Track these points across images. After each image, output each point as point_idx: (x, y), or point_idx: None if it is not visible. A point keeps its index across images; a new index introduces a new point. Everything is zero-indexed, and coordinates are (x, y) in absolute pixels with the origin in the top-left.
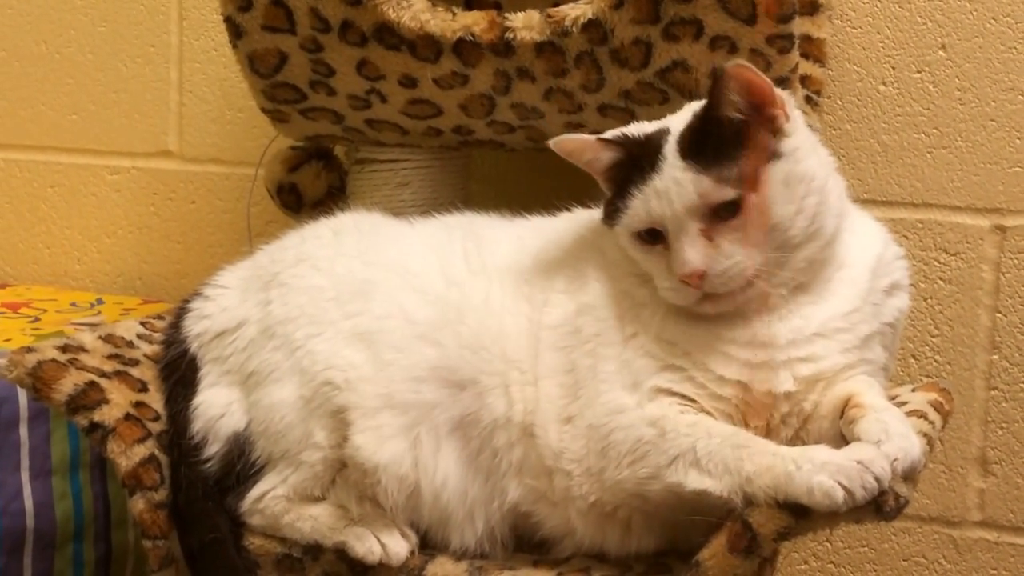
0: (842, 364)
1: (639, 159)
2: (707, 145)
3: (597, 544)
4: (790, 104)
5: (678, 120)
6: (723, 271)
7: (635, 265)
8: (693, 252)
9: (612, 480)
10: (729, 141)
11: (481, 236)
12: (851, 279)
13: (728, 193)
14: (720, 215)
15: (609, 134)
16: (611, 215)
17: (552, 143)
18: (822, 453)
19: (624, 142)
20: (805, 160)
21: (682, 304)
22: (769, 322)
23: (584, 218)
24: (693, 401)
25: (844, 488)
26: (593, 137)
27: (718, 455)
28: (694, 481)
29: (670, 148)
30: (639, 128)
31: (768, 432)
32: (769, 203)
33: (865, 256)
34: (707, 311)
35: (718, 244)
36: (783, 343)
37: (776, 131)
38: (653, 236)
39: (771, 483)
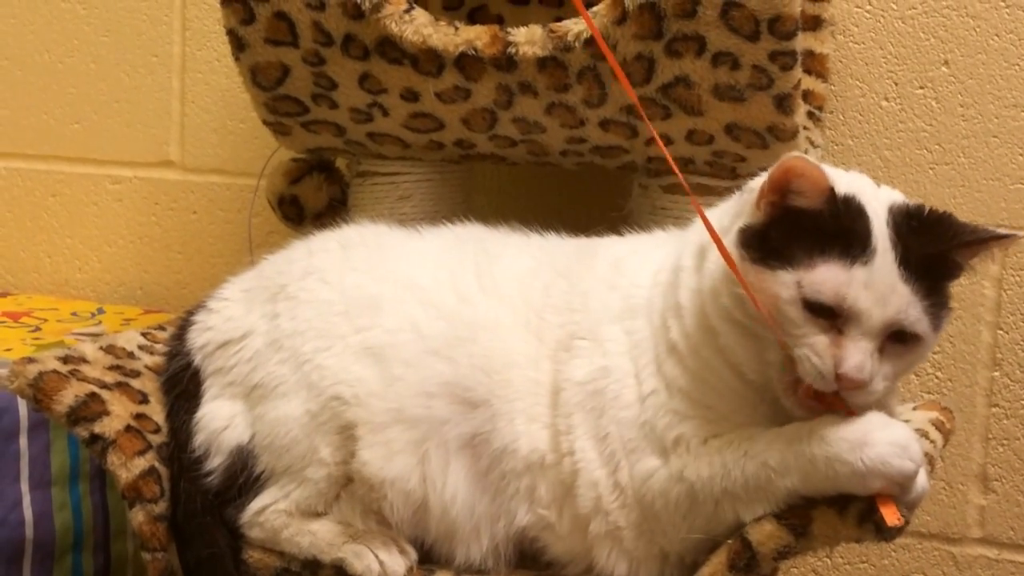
0: None
1: (848, 227)
2: (927, 271)
3: None
4: None
5: (865, 194)
6: (872, 391)
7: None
8: (869, 364)
9: (677, 537)
10: (940, 275)
11: (492, 252)
12: None
13: (926, 329)
14: (896, 339)
15: (839, 184)
16: (765, 252)
17: (782, 163)
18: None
19: (835, 199)
20: None
21: (814, 385)
22: None
23: (607, 253)
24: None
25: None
26: (829, 183)
27: (751, 483)
28: (747, 514)
29: (883, 241)
30: (833, 183)
31: None
32: (929, 347)
33: None
34: (806, 410)
35: (883, 364)
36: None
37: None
38: (824, 311)
39: (818, 484)
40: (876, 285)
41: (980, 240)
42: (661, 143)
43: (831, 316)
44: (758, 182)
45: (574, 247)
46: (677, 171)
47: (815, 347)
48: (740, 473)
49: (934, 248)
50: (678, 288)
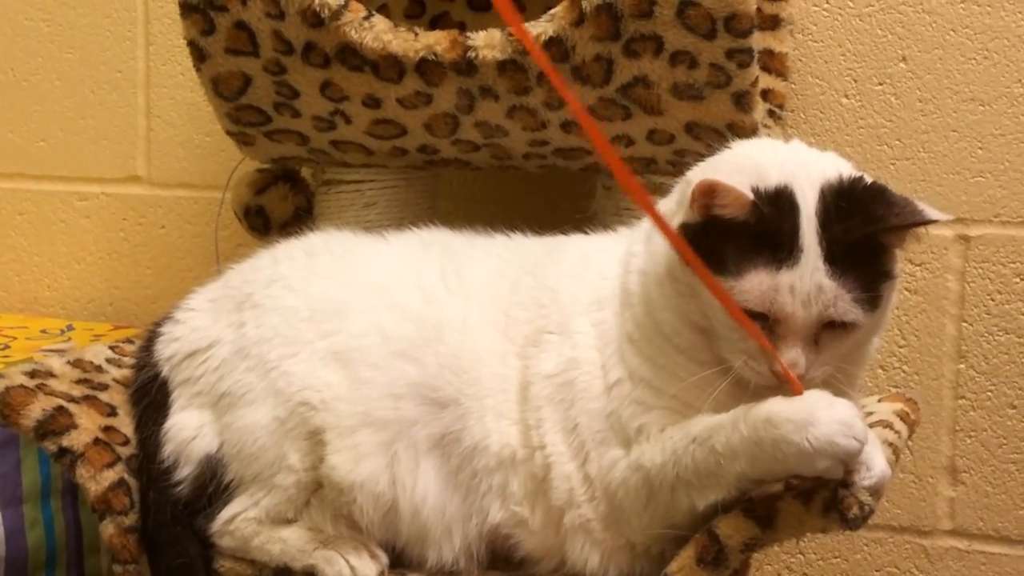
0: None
1: (775, 227)
2: (853, 258)
3: (602, 572)
4: None
5: (799, 181)
6: (811, 378)
7: (638, 301)
8: (803, 358)
9: (640, 526)
10: (871, 261)
11: (459, 253)
12: None
13: (859, 316)
14: (833, 326)
15: (763, 187)
16: (702, 253)
17: (700, 185)
18: (782, 411)
19: (760, 205)
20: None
21: (754, 381)
22: None
23: (573, 249)
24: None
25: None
26: (749, 197)
27: (701, 468)
28: (701, 500)
29: (809, 237)
30: (760, 178)
31: None
32: (877, 324)
33: None
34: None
35: (820, 351)
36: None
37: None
38: (756, 315)
39: (766, 467)
40: (801, 287)
41: (906, 225)
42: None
43: (763, 318)
44: (695, 174)
45: (541, 245)
46: (605, 153)
47: (750, 351)
48: (690, 460)
49: (861, 233)
50: (629, 274)
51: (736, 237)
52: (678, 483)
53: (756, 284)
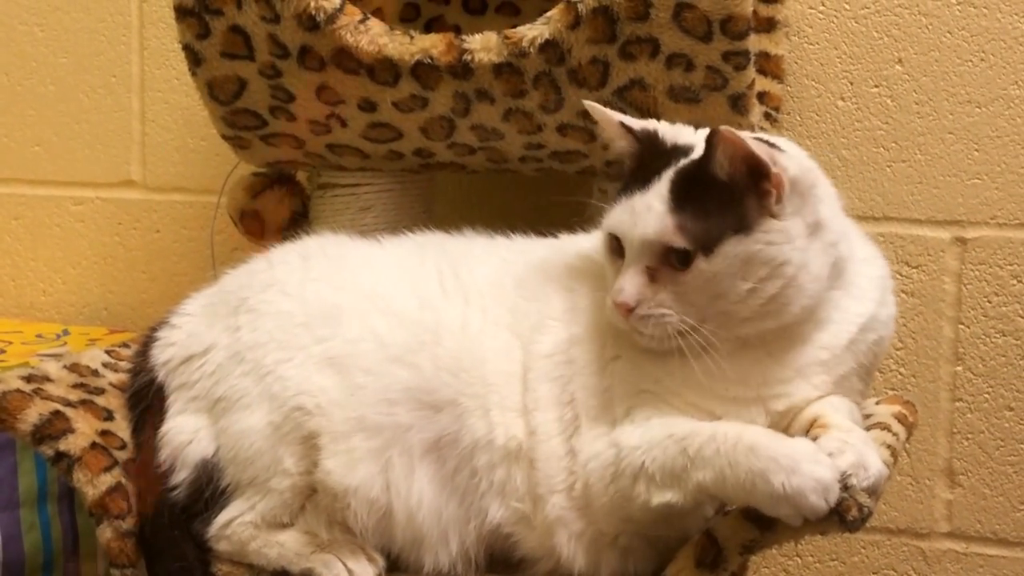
0: (815, 397)
1: (647, 164)
2: (695, 190)
3: (592, 571)
4: (794, 188)
5: (703, 134)
6: (647, 315)
7: None
8: (630, 286)
9: (601, 510)
10: (715, 197)
11: (457, 257)
12: (835, 332)
13: (679, 242)
14: (672, 262)
15: (635, 123)
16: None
17: (587, 104)
18: (769, 447)
19: (640, 138)
20: (781, 245)
21: (615, 324)
22: (741, 363)
23: (573, 246)
24: None
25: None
26: (616, 118)
27: (667, 466)
28: (657, 497)
29: (668, 173)
30: (673, 132)
31: None
32: (716, 273)
33: (858, 313)
34: (638, 341)
35: (657, 289)
36: (756, 383)
37: (763, 207)
38: (618, 249)
39: (729, 489)
40: (637, 206)
41: (716, 142)
42: None
43: (621, 254)
44: None
45: (546, 243)
46: None
47: (608, 284)
48: (661, 453)
49: (699, 160)
50: None
51: (628, 173)
52: (641, 472)
53: (616, 208)
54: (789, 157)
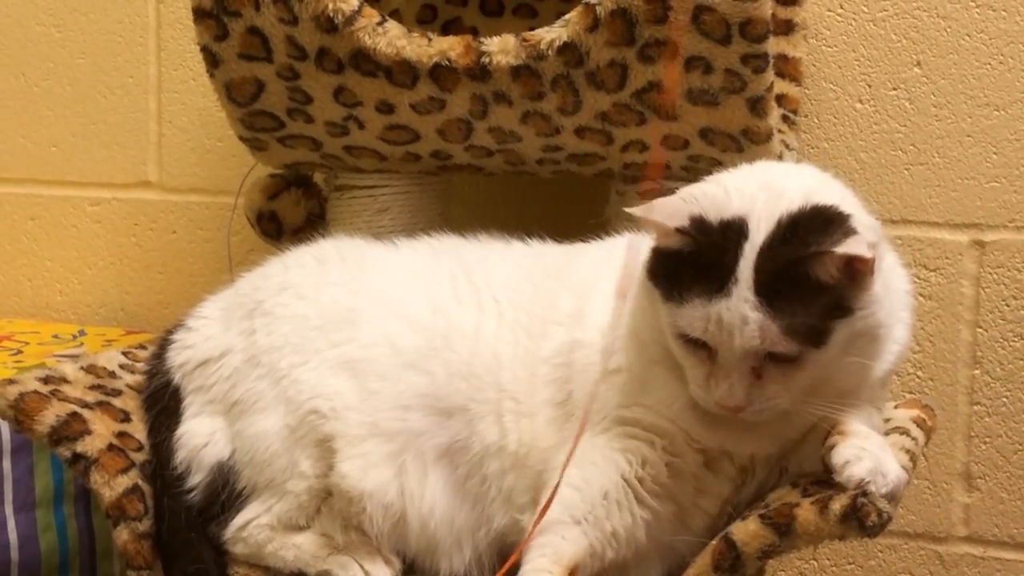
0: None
1: (706, 256)
2: (784, 288)
3: None
4: (880, 252)
5: (760, 212)
6: (759, 410)
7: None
8: (738, 389)
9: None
10: (808, 292)
11: (472, 262)
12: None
13: (792, 348)
14: (776, 359)
15: (678, 216)
16: (665, 293)
17: (628, 210)
18: None
19: (697, 236)
20: (877, 312)
21: (705, 407)
22: None
23: (589, 251)
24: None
25: None
26: (672, 226)
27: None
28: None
29: (745, 269)
30: (713, 204)
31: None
32: (828, 359)
33: (895, 340)
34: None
35: (764, 384)
36: None
37: (860, 287)
38: (699, 343)
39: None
40: (728, 318)
41: (819, 253)
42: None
43: (706, 347)
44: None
45: (563, 250)
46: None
47: (695, 378)
48: (589, 489)
49: (783, 262)
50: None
51: (682, 265)
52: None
53: (692, 312)
54: (865, 227)
